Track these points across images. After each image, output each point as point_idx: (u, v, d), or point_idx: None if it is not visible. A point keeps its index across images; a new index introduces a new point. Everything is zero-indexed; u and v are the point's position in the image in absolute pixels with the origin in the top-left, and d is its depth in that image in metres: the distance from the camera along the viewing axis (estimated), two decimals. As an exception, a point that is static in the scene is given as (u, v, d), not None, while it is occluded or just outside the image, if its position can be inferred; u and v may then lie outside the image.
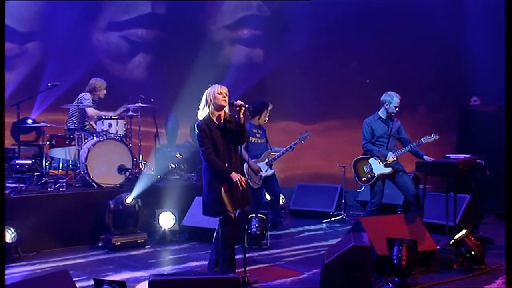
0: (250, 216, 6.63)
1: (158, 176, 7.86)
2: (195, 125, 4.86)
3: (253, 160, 7.28)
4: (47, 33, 9.77)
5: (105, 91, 8.00)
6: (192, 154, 8.42)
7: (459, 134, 9.03)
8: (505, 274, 4.92)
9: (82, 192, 7.07)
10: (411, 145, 6.63)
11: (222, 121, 4.93)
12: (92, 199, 6.99)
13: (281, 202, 7.98)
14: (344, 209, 8.43)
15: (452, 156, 6.50)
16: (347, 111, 9.75)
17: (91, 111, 7.81)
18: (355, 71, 9.96)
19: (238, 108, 4.87)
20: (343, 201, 8.45)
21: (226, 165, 4.91)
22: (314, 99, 10.02)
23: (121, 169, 7.39)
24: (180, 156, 8.24)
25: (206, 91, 4.90)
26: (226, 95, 4.90)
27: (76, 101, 7.86)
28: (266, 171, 7.37)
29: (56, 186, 6.95)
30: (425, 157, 6.52)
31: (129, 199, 6.69)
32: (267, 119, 7.40)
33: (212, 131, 4.84)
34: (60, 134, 7.72)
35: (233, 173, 4.86)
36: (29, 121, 8.19)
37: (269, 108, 7.37)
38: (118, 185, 7.27)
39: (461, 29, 9.02)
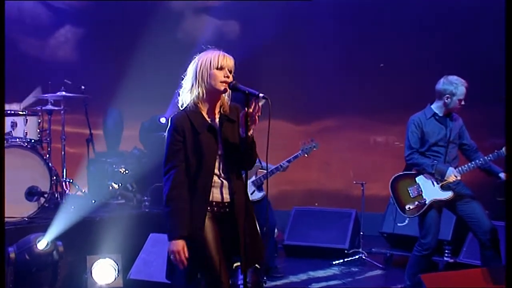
0: (235, 265, 4.79)
1: (93, 201, 6.09)
2: (169, 119, 3.30)
3: None
4: None
5: None
6: (143, 166, 6.75)
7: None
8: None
9: None
10: (485, 158, 5.06)
11: (217, 117, 3.32)
12: None
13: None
14: (363, 244, 6.95)
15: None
16: (353, 107, 8.44)
17: None
18: (365, 54, 8.42)
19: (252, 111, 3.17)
20: (361, 233, 6.97)
21: (214, 200, 3.29)
22: (309, 90, 8.61)
23: (32, 194, 5.49)
24: (126, 172, 6.40)
25: (194, 61, 3.29)
26: (231, 71, 3.26)
27: None
28: (252, 193, 5.88)
29: None
30: (501, 174, 5.04)
31: (42, 243, 4.95)
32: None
33: (196, 134, 3.24)
34: None
35: (178, 242, 3.19)
36: None
37: (260, 104, 5.58)
38: (26, 219, 5.43)
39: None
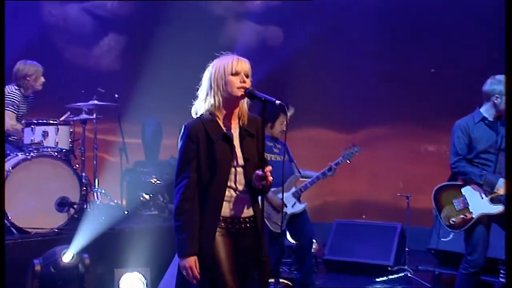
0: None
1: (125, 212, 5.95)
2: (183, 127, 3.13)
3: (272, 189, 5.27)
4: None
5: (42, 79, 5.88)
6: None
7: None
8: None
9: None
10: None
11: (235, 126, 3.17)
12: (7, 256, 4.60)
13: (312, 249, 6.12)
14: (408, 261, 6.58)
15: None
16: (402, 114, 8.02)
17: (9, 120, 5.66)
18: (415, 58, 8.01)
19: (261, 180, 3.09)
20: (406, 249, 6.60)
21: (227, 215, 3.12)
22: (355, 97, 8.25)
23: (62, 204, 5.34)
24: (158, 182, 6.21)
25: (208, 68, 3.16)
26: (247, 75, 3.10)
27: None
28: (293, 206, 5.59)
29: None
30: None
31: (67, 256, 4.79)
32: (285, 129, 5.40)
33: (211, 142, 3.08)
34: None
35: (189, 259, 3.05)
36: None
37: (289, 114, 5.19)
38: (55, 230, 5.26)
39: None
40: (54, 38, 8.31)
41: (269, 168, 3.02)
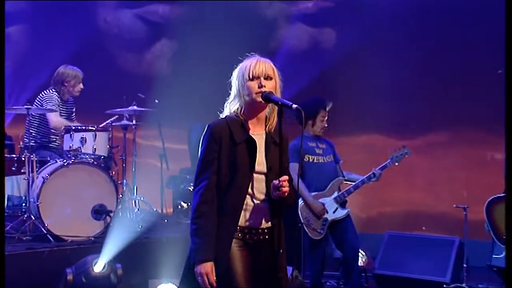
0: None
1: (164, 220, 5.89)
2: (206, 126, 3.02)
3: (313, 193, 5.27)
4: (35, 12, 7.97)
5: (81, 86, 5.85)
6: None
7: None
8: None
9: (23, 252, 4.83)
10: None
11: (261, 131, 3.01)
12: (42, 264, 4.82)
13: (360, 262, 5.89)
14: (467, 278, 6.08)
15: None
16: (461, 119, 7.56)
17: (54, 117, 5.68)
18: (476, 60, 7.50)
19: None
20: (464, 265, 6.09)
21: (246, 225, 2.95)
22: (412, 101, 7.84)
23: (99, 212, 5.29)
24: None
25: (235, 71, 3.04)
26: (268, 77, 2.94)
27: (36, 103, 5.64)
28: (335, 211, 5.33)
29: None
30: None
31: (98, 266, 4.71)
32: (326, 125, 5.40)
33: (234, 144, 2.93)
34: (13, 156, 5.43)
35: (205, 264, 2.85)
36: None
37: (327, 108, 5.41)
38: (91, 238, 5.22)
39: None
40: (107, 44, 8.38)
41: (284, 177, 2.81)
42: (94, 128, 5.40)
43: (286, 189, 2.80)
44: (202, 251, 2.87)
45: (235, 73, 2.98)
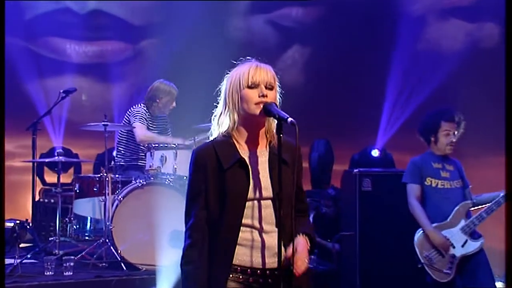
0: None
1: None
2: (191, 153, 2.61)
3: (434, 224, 4.34)
4: (166, 25, 7.70)
5: (174, 104, 5.48)
6: (339, 209, 5.46)
7: None
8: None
9: (90, 281, 4.58)
10: None
11: (263, 149, 2.53)
12: None
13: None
14: None
15: None
16: None
17: (139, 131, 5.28)
18: None
19: None
20: None
21: (243, 265, 2.45)
22: None
23: (176, 239, 4.69)
24: None
25: (226, 77, 2.58)
26: (271, 87, 2.49)
27: (124, 120, 5.37)
28: (463, 245, 4.35)
29: (64, 267, 4.62)
30: None
31: None
32: (453, 140, 4.41)
33: (222, 170, 2.46)
34: (96, 176, 5.18)
35: None
36: (58, 151, 5.56)
37: (455, 120, 4.43)
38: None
39: None
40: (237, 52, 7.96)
41: (301, 270, 2.38)
42: (175, 146, 4.91)
43: (299, 273, 2.37)
44: None
45: (227, 81, 2.51)
